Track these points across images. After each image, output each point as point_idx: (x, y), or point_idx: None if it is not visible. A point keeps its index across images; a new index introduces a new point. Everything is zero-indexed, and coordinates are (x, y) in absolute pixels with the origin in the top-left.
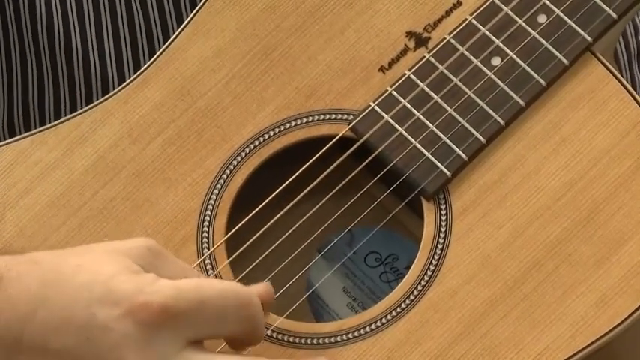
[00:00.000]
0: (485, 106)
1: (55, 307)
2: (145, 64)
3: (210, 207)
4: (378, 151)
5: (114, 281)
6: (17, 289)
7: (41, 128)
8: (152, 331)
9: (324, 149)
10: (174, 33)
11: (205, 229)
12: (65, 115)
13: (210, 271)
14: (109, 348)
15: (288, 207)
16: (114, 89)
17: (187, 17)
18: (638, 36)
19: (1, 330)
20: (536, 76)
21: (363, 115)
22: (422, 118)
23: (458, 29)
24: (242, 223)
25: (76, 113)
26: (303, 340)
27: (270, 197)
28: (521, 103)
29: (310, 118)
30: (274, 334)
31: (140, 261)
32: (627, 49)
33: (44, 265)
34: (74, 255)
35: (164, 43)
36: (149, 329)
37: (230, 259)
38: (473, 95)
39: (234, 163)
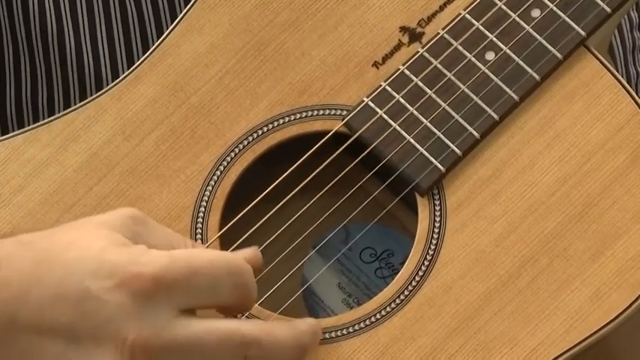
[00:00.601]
0: (480, 101)
1: (48, 284)
2: (138, 57)
3: (204, 203)
4: (372, 147)
5: (105, 254)
6: (9, 271)
7: (34, 125)
8: (146, 301)
9: (318, 145)
10: (168, 26)
11: (199, 225)
12: (58, 112)
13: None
14: (105, 320)
15: (281, 203)
16: (107, 83)
17: (180, 10)
18: (634, 31)
19: None
20: (530, 70)
21: (356, 110)
22: (416, 113)
23: (452, 24)
24: (235, 219)
25: (69, 110)
26: None
27: (264, 193)
28: (516, 97)
29: (304, 114)
30: None
31: (127, 232)
32: (623, 43)
33: (34, 244)
34: (62, 233)
35: (158, 36)
36: (143, 299)
37: None
38: (467, 90)
39: (228, 159)
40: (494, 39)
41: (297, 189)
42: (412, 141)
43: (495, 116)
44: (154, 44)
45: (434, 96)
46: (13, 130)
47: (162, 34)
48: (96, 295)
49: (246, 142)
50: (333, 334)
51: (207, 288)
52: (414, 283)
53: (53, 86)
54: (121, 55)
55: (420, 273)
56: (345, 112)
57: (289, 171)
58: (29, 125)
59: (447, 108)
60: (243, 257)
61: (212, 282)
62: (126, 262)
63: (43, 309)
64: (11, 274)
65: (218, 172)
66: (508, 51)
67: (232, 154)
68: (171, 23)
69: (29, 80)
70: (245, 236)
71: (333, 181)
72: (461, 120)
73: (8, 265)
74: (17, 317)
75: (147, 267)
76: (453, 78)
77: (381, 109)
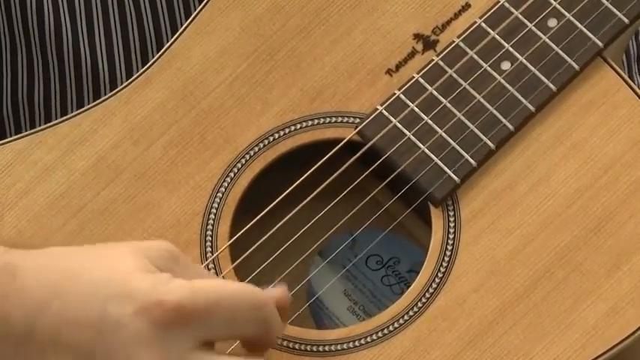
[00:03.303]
0: (495, 111)
1: (69, 300)
2: (136, 59)
3: (213, 210)
4: (385, 156)
5: (130, 279)
6: (32, 281)
7: (40, 127)
8: (165, 330)
9: (331, 153)
10: (166, 29)
11: (209, 232)
12: (54, 109)
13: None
14: (120, 345)
15: (292, 213)
16: (104, 84)
17: (180, 13)
18: (639, 39)
19: (13, 320)
20: (546, 81)
21: (370, 118)
22: (430, 122)
23: (467, 32)
24: (246, 228)
25: (76, 112)
26: (308, 348)
27: (275, 202)
28: (531, 108)
29: (316, 121)
30: (279, 341)
31: (158, 262)
32: (627, 52)
33: (61, 259)
34: (92, 251)
35: (156, 38)
36: (162, 328)
37: (235, 264)
38: (482, 100)
39: (239, 165)
40: (510, 48)
41: (308, 199)
42: (426, 151)
43: (511, 127)
44: (151, 37)
45: (449, 105)
46: (9, 127)
47: (160, 31)
48: (115, 319)
49: (257, 149)
50: (345, 346)
51: (228, 321)
52: (427, 295)
53: (49, 78)
54: (118, 53)
55: (434, 285)
56: (357, 120)
57: (300, 180)
58: (25, 122)
59: (462, 118)
60: (271, 296)
61: (233, 315)
62: (149, 289)
63: (60, 325)
64: (32, 285)
65: (228, 179)
66: (524, 61)
67: (243, 161)
68: (170, 20)
69: (26, 74)
70: (255, 245)
71: (345, 192)
72: (476, 130)
73: (31, 275)
74: (35, 329)
75: (169, 295)
76: (468, 87)
77: (395, 118)
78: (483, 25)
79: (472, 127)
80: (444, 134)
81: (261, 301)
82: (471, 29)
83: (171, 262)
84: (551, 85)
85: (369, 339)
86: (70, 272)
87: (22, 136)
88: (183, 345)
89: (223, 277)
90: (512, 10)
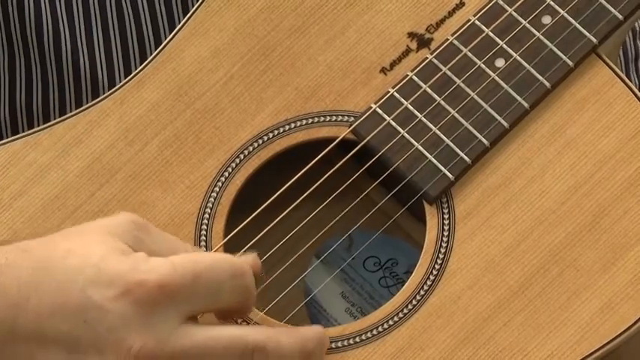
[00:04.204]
0: (489, 109)
1: (47, 292)
2: (135, 64)
3: (208, 210)
4: (380, 154)
5: (105, 262)
6: (8, 278)
7: (35, 129)
8: (150, 310)
9: (325, 151)
10: (165, 33)
11: (203, 232)
12: (53, 115)
13: None
14: (107, 329)
15: (287, 211)
16: (103, 89)
17: (179, 17)
18: (637, 40)
19: None
20: (540, 78)
21: (364, 117)
22: (424, 120)
23: (461, 30)
24: (240, 226)
25: (71, 114)
26: None
27: (269, 201)
28: (526, 105)
29: (310, 120)
30: None
31: (128, 238)
32: (625, 53)
33: (33, 252)
34: (62, 239)
35: (155, 44)
36: (147, 308)
37: None
38: (476, 97)
39: (233, 165)
40: (505, 46)
41: (302, 197)
42: (421, 148)
43: (505, 124)
44: (150, 44)
45: (443, 103)
46: (7, 133)
47: (160, 36)
48: (98, 305)
49: (251, 149)
50: (339, 344)
51: (210, 292)
52: (422, 293)
53: (48, 86)
54: (117, 57)
55: (429, 282)
56: (352, 119)
57: (294, 179)
58: (23, 128)
59: (456, 115)
60: (248, 263)
61: (215, 286)
62: (127, 270)
63: (41, 317)
64: (9, 282)
65: (223, 179)
66: (518, 58)
67: (237, 160)
68: (168, 25)
69: (24, 82)
70: (250, 244)
71: (339, 190)
72: (470, 127)
73: (7, 272)
74: (16, 326)
75: (150, 274)
76: (462, 85)
77: (389, 116)
78: (477, 22)
79: (466, 124)
80: (438, 132)
81: (240, 269)
82: (465, 27)
83: (140, 233)
84: (545, 82)
85: (363, 337)
86: (43, 263)
87: (18, 138)
88: (170, 322)
89: None
90: (506, 7)
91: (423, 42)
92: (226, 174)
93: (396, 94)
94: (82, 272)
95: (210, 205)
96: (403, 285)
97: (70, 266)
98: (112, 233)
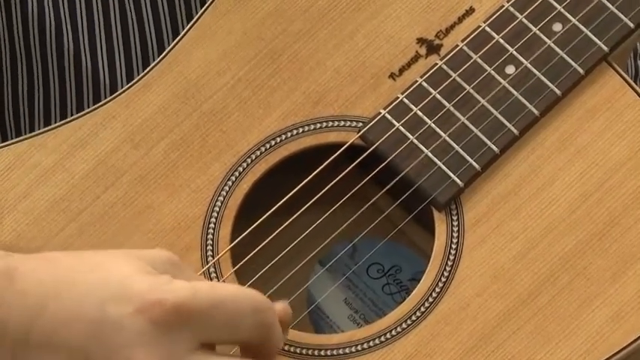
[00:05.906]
0: (499, 115)
1: (66, 302)
2: (137, 66)
3: (214, 214)
4: (388, 160)
5: (128, 280)
6: (30, 284)
7: (40, 131)
8: (164, 330)
9: (333, 157)
10: (168, 35)
11: (210, 236)
12: (54, 114)
13: (215, 280)
14: (119, 345)
15: (294, 216)
16: (105, 91)
17: (182, 19)
18: (637, 60)
19: (11, 324)
20: (551, 85)
21: (373, 122)
22: (434, 126)
23: (471, 36)
24: (246, 232)
25: (76, 116)
26: (310, 352)
27: (275, 207)
28: (536, 112)
29: (318, 125)
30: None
31: (156, 265)
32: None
33: (60, 262)
34: (92, 255)
35: (157, 46)
36: (161, 328)
37: (235, 268)
38: (486, 104)
39: (240, 169)
40: (515, 52)
41: (309, 203)
42: (430, 155)
43: (515, 131)
44: (153, 49)
45: (452, 109)
46: (11, 136)
47: (162, 38)
48: (113, 319)
49: (258, 153)
50: (347, 350)
51: (229, 322)
52: (430, 300)
53: (50, 91)
54: (119, 59)
55: (437, 289)
56: (360, 124)
57: (302, 184)
58: (26, 131)
59: (466, 122)
60: (273, 304)
61: (234, 317)
62: (148, 289)
63: (57, 326)
64: (31, 289)
65: (230, 183)
66: (529, 65)
67: (244, 165)
68: (171, 27)
69: (26, 82)
70: (255, 251)
71: (347, 196)
72: (480, 134)
73: (29, 278)
74: (31, 332)
75: (169, 295)
76: (472, 91)
77: (398, 122)
78: (488, 29)
79: (476, 131)
80: (447, 138)
81: (262, 304)
82: (475, 33)
83: (169, 266)
84: (555, 90)
85: (371, 344)
86: (67, 275)
87: (23, 139)
88: (184, 345)
89: (224, 281)
90: (517, 14)
91: (433, 48)
92: (233, 178)
93: (405, 100)
94: (104, 287)
95: (216, 209)
96: (407, 292)
97: (93, 280)
98: (144, 259)
